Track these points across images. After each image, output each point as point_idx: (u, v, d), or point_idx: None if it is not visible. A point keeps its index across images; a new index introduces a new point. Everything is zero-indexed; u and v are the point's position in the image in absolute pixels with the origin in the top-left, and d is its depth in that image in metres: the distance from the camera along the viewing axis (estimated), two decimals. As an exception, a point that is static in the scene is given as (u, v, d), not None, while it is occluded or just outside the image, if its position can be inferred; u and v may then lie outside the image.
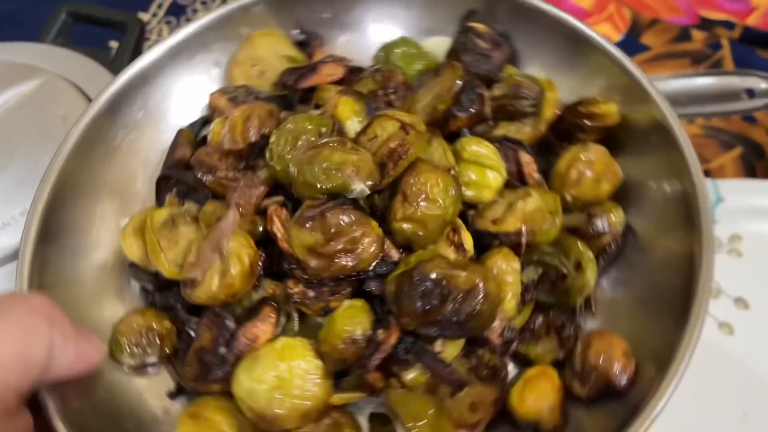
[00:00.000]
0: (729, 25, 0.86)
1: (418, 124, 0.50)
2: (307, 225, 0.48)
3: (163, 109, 0.65)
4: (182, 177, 0.57)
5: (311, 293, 0.48)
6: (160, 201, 0.58)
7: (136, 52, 0.78)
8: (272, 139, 0.53)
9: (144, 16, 0.99)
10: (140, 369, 0.54)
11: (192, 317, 0.54)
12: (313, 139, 0.52)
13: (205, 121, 0.66)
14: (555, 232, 0.51)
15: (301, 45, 0.68)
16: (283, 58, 0.66)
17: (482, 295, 0.44)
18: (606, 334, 0.48)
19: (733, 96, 0.68)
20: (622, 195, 0.56)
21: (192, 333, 0.54)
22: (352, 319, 0.46)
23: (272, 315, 0.48)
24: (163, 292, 0.56)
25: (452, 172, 0.51)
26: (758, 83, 0.67)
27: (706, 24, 0.87)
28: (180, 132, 0.61)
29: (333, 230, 0.47)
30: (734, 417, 0.58)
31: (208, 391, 0.49)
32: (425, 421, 0.47)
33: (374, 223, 0.48)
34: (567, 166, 0.56)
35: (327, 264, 0.47)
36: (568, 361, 0.49)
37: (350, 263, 0.47)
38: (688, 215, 0.50)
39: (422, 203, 0.48)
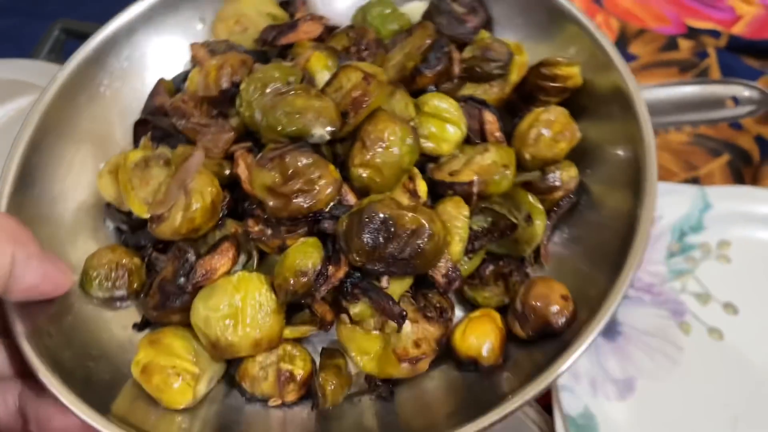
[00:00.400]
0: (715, 34, 0.87)
1: (380, 74, 0.52)
2: (267, 165, 0.50)
3: (148, 61, 0.67)
4: (159, 122, 0.59)
5: (269, 231, 0.51)
6: (137, 145, 0.61)
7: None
8: (242, 86, 0.56)
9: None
10: (109, 301, 0.56)
11: (161, 255, 0.57)
12: (280, 86, 0.54)
13: (186, 75, 0.68)
14: (507, 183, 0.52)
15: (285, 5, 0.70)
16: (267, 15, 0.68)
17: (427, 234, 0.46)
18: (547, 279, 0.50)
19: (718, 104, 0.68)
20: (580, 156, 0.58)
21: (157, 269, 0.56)
22: (303, 254, 0.48)
23: (231, 250, 0.50)
24: (135, 232, 0.58)
25: (411, 123, 0.53)
26: (742, 91, 0.67)
27: (692, 33, 0.88)
28: (160, 81, 0.64)
29: (291, 171, 0.49)
30: (725, 422, 0.58)
31: (169, 322, 0.52)
32: (371, 355, 0.50)
33: (332, 167, 0.51)
34: (528, 126, 0.57)
35: (284, 203, 0.49)
36: (510, 303, 0.51)
37: (306, 203, 0.49)
38: (637, 179, 0.52)
39: (379, 150, 0.50)
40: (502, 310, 0.52)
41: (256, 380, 0.50)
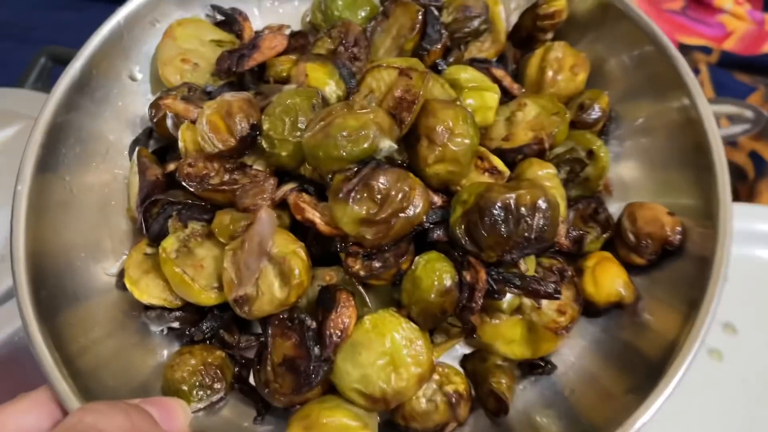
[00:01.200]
0: (706, 50, 0.88)
1: (417, 65, 0.49)
2: (352, 199, 0.45)
3: (100, 133, 0.57)
4: (171, 197, 0.51)
5: (377, 264, 0.47)
6: (150, 230, 0.52)
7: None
8: (266, 126, 0.50)
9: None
10: (209, 408, 0.49)
11: (245, 336, 0.50)
12: (309, 114, 0.49)
13: (149, 134, 0.59)
14: (566, 130, 0.53)
15: (224, 24, 0.62)
16: (211, 43, 0.61)
17: (547, 204, 0.45)
18: (644, 203, 0.52)
19: None
20: (588, 81, 0.59)
21: (246, 354, 0.50)
22: (435, 272, 0.45)
23: (350, 298, 0.46)
24: (198, 325, 0.51)
25: (458, 102, 0.51)
26: (737, 110, 0.69)
27: (684, 50, 0.86)
28: (140, 152, 0.55)
29: (382, 195, 0.45)
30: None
31: (303, 400, 0.47)
32: (518, 341, 0.49)
33: (413, 175, 0.47)
34: (538, 69, 0.58)
35: (385, 229, 0.45)
36: (618, 239, 0.52)
37: (409, 219, 0.46)
38: (663, 74, 0.54)
39: (449, 141, 0.48)
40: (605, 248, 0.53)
41: (427, 414, 0.47)
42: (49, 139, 0.53)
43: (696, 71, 0.86)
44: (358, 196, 0.45)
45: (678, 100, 0.53)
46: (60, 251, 0.52)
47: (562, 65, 0.57)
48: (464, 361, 0.51)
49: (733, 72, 0.85)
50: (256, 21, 0.64)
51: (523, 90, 0.58)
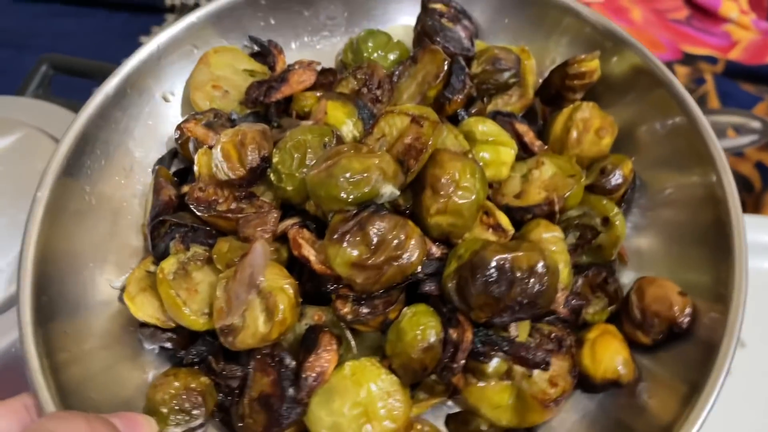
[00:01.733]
0: (712, 60, 0.87)
1: (430, 114, 0.49)
2: (347, 241, 0.45)
3: (126, 149, 0.59)
4: (179, 219, 0.52)
5: (365, 310, 0.46)
6: (156, 249, 0.53)
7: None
8: (275, 159, 0.50)
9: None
10: (186, 434, 0.49)
11: (229, 365, 0.50)
12: (319, 152, 0.50)
13: (174, 154, 0.61)
14: (580, 193, 0.51)
15: (259, 56, 0.64)
16: (244, 73, 0.62)
17: (545, 269, 0.44)
18: (655, 279, 0.49)
19: (719, 134, 0.66)
20: (616, 145, 0.58)
21: (231, 383, 0.50)
22: (420, 326, 0.44)
23: (333, 341, 0.45)
24: (188, 348, 0.51)
25: (470, 155, 0.50)
26: (743, 121, 0.67)
27: (689, 59, 0.87)
28: (159, 172, 0.56)
29: (376, 240, 0.45)
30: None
31: (275, 439, 0.46)
32: (504, 407, 0.47)
33: (411, 223, 0.47)
34: (564, 128, 0.56)
35: (376, 275, 0.45)
36: (624, 313, 0.50)
37: (402, 268, 0.45)
38: (692, 146, 0.52)
39: (453, 193, 0.47)
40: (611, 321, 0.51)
41: (399, 473, 0.45)
42: (75, 150, 0.55)
43: (701, 81, 0.85)
44: (353, 239, 0.45)
45: (705, 175, 0.51)
46: (68, 258, 0.53)
47: (588, 127, 0.56)
48: (448, 421, 0.49)
49: (739, 82, 0.84)
50: (293, 55, 0.65)
51: (546, 147, 0.56)
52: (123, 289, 0.54)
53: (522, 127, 0.57)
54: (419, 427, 0.47)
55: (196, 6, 0.97)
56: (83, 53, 0.89)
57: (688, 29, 0.91)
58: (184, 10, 1.05)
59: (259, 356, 0.46)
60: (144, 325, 0.52)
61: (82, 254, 0.54)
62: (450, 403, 0.51)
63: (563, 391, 0.46)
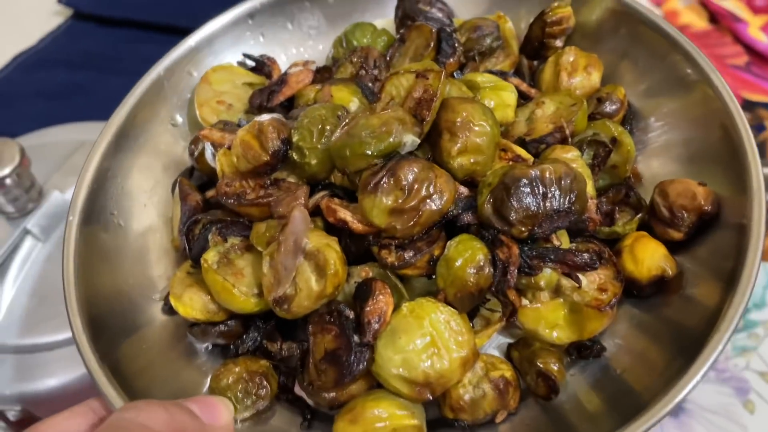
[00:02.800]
0: None
1: (433, 66, 0.52)
2: (380, 190, 0.47)
3: (144, 173, 0.61)
4: (212, 216, 0.54)
5: (410, 253, 0.47)
6: (193, 250, 0.54)
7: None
8: (295, 138, 0.52)
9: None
10: (256, 418, 0.49)
11: (287, 343, 0.50)
12: (335, 123, 0.52)
13: (190, 172, 0.63)
14: (585, 118, 0.54)
15: (254, 70, 0.67)
16: (244, 86, 0.65)
17: (573, 176, 0.46)
18: (673, 179, 0.51)
19: None
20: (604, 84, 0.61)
21: (289, 362, 0.50)
22: (468, 251, 0.45)
23: (385, 286, 0.46)
24: (240, 337, 0.52)
25: (476, 98, 0.53)
26: None
27: (748, 106, 0.89)
28: (181, 182, 0.58)
29: (408, 182, 0.47)
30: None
31: (348, 397, 0.46)
32: (562, 323, 0.48)
33: (436, 166, 0.49)
34: (554, 73, 0.60)
35: (414, 218, 0.46)
36: (652, 216, 0.51)
37: (437, 206, 0.47)
38: (680, 69, 0.55)
39: (470, 132, 0.49)
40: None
41: (475, 403, 0.45)
42: (97, 177, 0.57)
43: (761, 128, 0.85)
44: (386, 187, 0.47)
45: (701, 91, 0.54)
46: (108, 285, 0.54)
47: (575, 66, 0.59)
48: (509, 350, 0.50)
49: (799, 129, 0.83)
50: (283, 67, 0.69)
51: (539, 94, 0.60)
52: (166, 300, 0.55)
53: (514, 80, 0.60)
54: (485, 358, 0.47)
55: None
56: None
57: (748, 75, 0.93)
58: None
59: (316, 318, 0.47)
60: (193, 325, 0.53)
61: (121, 272, 0.55)
62: (502, 338, 0.52)
63: (614, 294, 0.47)
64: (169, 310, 0.54)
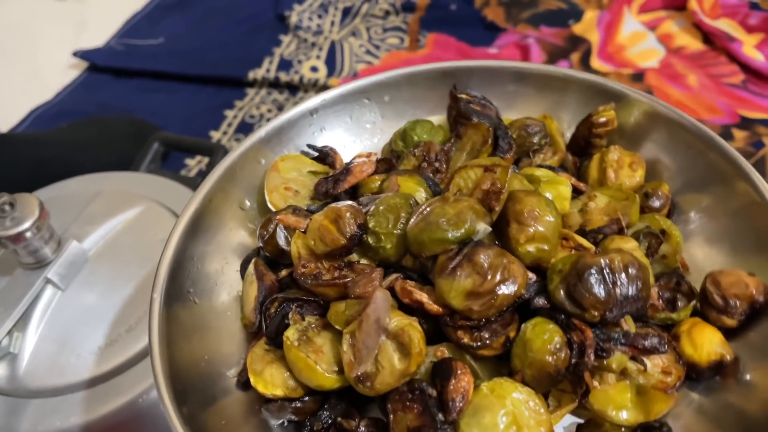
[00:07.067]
0: None
1: (500, 162, 0.57)
2: (458, 273, 0.50)
3: (215, 254, 0.65)
4: (288, 295, 0.57)
5: (486, 334, 0.50)
6: (269, 328, 0.57)
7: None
8: (372, 224, 0.56)
9: (215, 134, 1.11)
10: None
11: (364, 420, 0.52)
12: (409, 211, 0.56)
13: (257, 252, 0.66)
14: (638, 211, 0.59)
15: (318, 159, 0.72)
16: (309, 174, 0.70)
17: (638, 265, 0.50)
18: (723, 270, 0.55)
19: None
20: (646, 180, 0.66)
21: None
22: (546, 332, 0.48)
23: (465, 366, 0.49)
24: (314, 414, 0.53)
25: (538, 191, 0.58)
26: None
27: (746, 123, 0.90)
28: (255, 262, 0.61)
29: (485, 267, 0.50)
30: None
31: (430, 474, 0.48)
32: (628, 405, 0.51)
33: (507, 252, 0.53)
34: (600, 170, 0.65)
35: (491, 300, 0.50)
36: (705, 304, 0.55)
37: (511, 290, 0.50)
38: (715, 164, 0.61)
39: (537, 222, 0.54)
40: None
41: (553, 481, 0.47)
42: (176, 257, 0.60)
43: (760, 144, 0.86)
44: (464, 271, 0.50)
45: (737, 184, 0.59)
46: (187, 354, 0.56)
47: (621, 164, 0.64)
48: (578, 431, 0.52)
49: (798, 145, 0.84)
50: (343, 155, 0.74)
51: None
52: (240, 375, 0.57)
53: (566, 175, 0.65)
54: (559, 436, 0.49)
55: (276, 80, 1.14)
56: (174, 125, 1.05)
57: (744, 93, 0.94)
58: (264, 84, 1.17)
59: (397, 396, 0.49)
60: (268, 401, 0.54)
61: (198, 349, 0.57)
62: (572, 419, 0.54)
63: (678, 378, 0.50)
64: (242, 385, 0.56)
